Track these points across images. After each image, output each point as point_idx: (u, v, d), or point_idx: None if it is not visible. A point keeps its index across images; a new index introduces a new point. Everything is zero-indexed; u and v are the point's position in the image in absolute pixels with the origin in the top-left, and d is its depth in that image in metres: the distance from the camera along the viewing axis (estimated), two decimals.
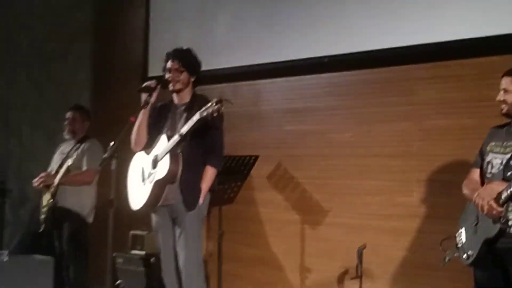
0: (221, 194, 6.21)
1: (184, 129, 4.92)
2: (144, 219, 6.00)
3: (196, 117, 4.82)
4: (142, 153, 5.35)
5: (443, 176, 5.80)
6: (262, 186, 6.95)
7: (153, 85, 5.22)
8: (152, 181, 5.08)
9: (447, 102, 5.83)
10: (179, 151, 5.03)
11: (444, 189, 5.73)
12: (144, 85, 5.29)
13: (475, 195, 4.02)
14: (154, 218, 5.31)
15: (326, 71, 6.59)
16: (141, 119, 5.25)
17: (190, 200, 5.10)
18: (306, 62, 6.63)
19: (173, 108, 5.34)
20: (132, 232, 7.25)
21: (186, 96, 5.30)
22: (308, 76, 6.76)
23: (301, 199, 6.70)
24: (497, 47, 5.51)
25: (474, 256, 4.08)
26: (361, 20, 6.26)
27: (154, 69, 6.81)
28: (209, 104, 4.72)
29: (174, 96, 5.33)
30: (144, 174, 5.21)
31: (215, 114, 4.69)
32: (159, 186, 5.06)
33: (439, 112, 5.87)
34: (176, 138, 4.96)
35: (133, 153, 5.46)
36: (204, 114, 4.73)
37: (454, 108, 5.79)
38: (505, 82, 4.15)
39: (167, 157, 5.00)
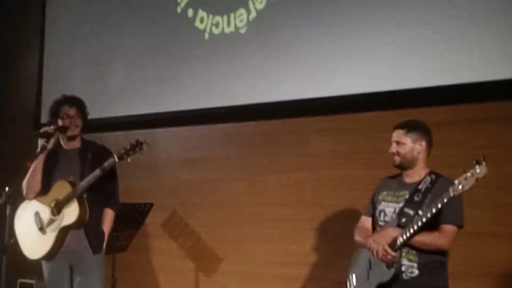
0: (115, 242, 6.11)
1: (96, 173, 4.89)
2: (31, 266, 5.82)
3: (110, 161, 4.86)
4: (32, 201, 5.21)
5: (335, 225, 5.94)
6: (157, 234, 6.93)
7: (51, 131, 5.13)
8: (56, 228, 4.97)
9: (339, 153, 6.01)
10: (84, 196, 4.97)
11: (336, 238, 5.87)
12: (42, 130, 5.18)
13: (370, 240, 4.12)
14: (46, 266, 5.14)
15: (223, 121, 6.69)
16: (37, 164, 5.13)
17: (95, 243, 5.05)
18: (203, 112, 6.72)
19: (62, 153, 5.24)
20: (20, 280, 7.03)
21: (77, 142, 5.25)
22: (205, 126, 6.84)
23: (196, 247, 6.71)
24: (385, 102, 5.75)
25: None
26: (258, 73, 6.41)
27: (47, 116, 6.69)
28: (128, 146, 4.79)
29: (62, 141, 5.25)
30: (42, 222, 5.08)
31: (133, 155, 4.78)
32: (65, 233, 4.97)
33: (331, 163, 6.04)
34: (90, 179, 4.90)
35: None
36: (124, 156, 4.79)
37: (345, 160, 5.96)
38: (397, 134, 4.29)
39: (75, 202, 4.93)
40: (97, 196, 5.07)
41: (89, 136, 5.40)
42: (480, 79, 5.27)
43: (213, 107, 6.62)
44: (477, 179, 3.63)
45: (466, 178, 3.66)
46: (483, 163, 3.63)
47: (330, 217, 5.99)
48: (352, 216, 5.55)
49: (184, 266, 6.73)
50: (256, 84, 6.40)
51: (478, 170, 3.62)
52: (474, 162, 3.65)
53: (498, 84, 5.21)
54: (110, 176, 5.09)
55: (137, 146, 4.83)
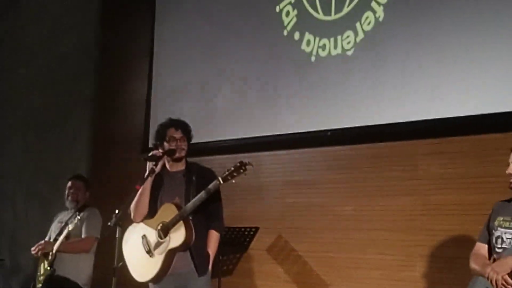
0: (221, 265, 6.10)
1: (201, 195, 4.91)
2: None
3: (215, 183, 4.89)
4: (139, 224, 5.26)
5: (446, 251, 5.72)
6: (262, 259, 6.83)
7: (159, 154, 5.17)
8: (163, 251, 5.00)
9: (449, 177, 5.80)
10: (190, 218, 4.95)
11: (447, 264, 5.66)
12: (150, 153, 5.24)
13: (489, 269, 3.94)
14: None
15: (329, 145, 6.57)
16: (145, 188, 5.17)
17: (201, 265, 5.07)
18: (309, 135, 6.62)
19: (167, 176, 5.28)
20: None
21: (181, 164, 5.29)
22: (311, 149, 6.73)
23: (302, 272, 6.58)
24: (498, 124, 5.52)
25: None
26: (366, 95, 6.28)
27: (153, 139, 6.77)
28: (232, 168, 4.80)
29: (168, 164, 5.28)
30: (150, 244, 5.10)
31: (237, 176, 4.79)
32: (172, 255, 4.99)
33: (441, 188, 5.83)
34: (195, 201, 4.92)
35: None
36: (228, 177, 4.80)
37: (456, 184, 5.75)
38: None
39: (181, 224, 4.93)
40: (202, 218, 5.10)
41: (195, 160, 5.41)
42: None
43: (319, 130, 6.51)
44: None
45: None
46: None
47: (441, 243, 5.77)
48: (463, 242, 5.40)
49: None
50: (363, 107, 6.27)
51: None
52: None
53: None
54: (215, 198, 5.10)
55: (241, 167, 4.83)
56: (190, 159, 5.35)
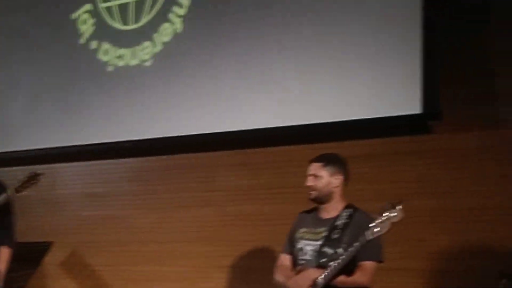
0: (11, 283, 5.74)
1: None
2: None
3: (3, 195, 4.70)
4: None
5: (242, 262, 5.74)
6: (55, 274, 6.54)
7: None
8: None
9: (246, 189, 5.83)
10: None
11: (245, 275, 5.69)
12: None
13: (291, 282, 3.94)
14: None
15: (127, 156, 6.42)
16: None
17: None
18: (106, 147, 6.41)
19: None
20: None
21: None
22: (109, 161, 6.55)
23: (97, 286, 6.36)
24: (297, 136, 5.60)
25: None
26: (163, 106, 6.19)
27: None
28: (24, 178, 4.72)
29: None
30: None
31: (29, 187, 4.69)
32: None
33: (238, 199, 5.85)
34: None
35: None
36: (19, 188, 4.69)
37: (253, 195, 5.79)
38: (314, 168, 4.12)
39: None
40: None
41: None
42: (385, 114, 5.20)
43: (118, 141, 6.33)
44: (392, 223, 3.56)
45: (382, 221, 3.58)
46: (399, 207, 3.56)
47: (237, 254, 5.79)
48: (260, 253, 5.46)
49: None
50: (161, 118, 6.17)
51: (393, 214, 3.55)
52: (390, 205, 3.53)
53: (400, 119, 5.17)
54: (6, 211, 4.87)
55: (33, 177, 4.72)
56: None
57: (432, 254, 5.03)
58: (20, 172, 6.19)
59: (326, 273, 3.78)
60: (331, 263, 3.78)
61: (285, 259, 4.24)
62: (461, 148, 5.02)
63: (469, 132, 5.01)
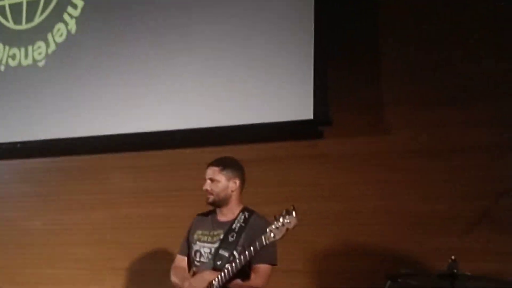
0: None
1: None
2: None
3: None
4: None
5: (137, 264, 5.72)
6: None
7: None
8: None
9: (139, 191, 5.81)
10: None
11: (139, 277, 5.67)
12: None
13: (186, 283, 3.98)
14: None
15: (18, 157, 6.28)
16: None
17: None
18: None
19: None
20: None
21: None
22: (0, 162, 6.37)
23: None
24: (188, 140, 5.65)
25: None
26: (55, 108, 6.09)
27: None
28: None
29: None
30: None
31: None
32: None
33: (131, 201, 5.82)
34: None
35: None
36: None
37: (146, 198, 5.77)
38: (211, 171, 4.16)
39: None
40: None
41: None
42: (280, 119, 5.30)
43: (9, 142, 6.20)
44: (287, 229, 3.62)
45: (277, 228, 3.64)
46: (293, 214, 3.61)
47: (131, 257, 5.75)
48: (154, 255, 5.46)
49: None
50: (54, 119, 6.07)
51: (288, 221, 3.61)
52: (285, 212, 3.61)
53: (294, 124, 5.28)
54: None
55: None
56: None
57: (319, 255, 5.14)
58: None
59: (221, 276, 3.85)
60: (227, 266, 3.85)
61: (181, 261, 4.28)
62: (350, 153, 5.16)
63: (358, 137, 5.15)
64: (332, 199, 5.16)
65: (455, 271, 3.56)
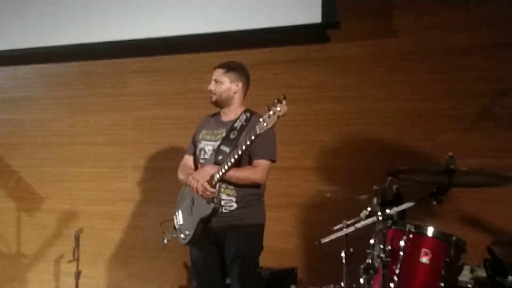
0: None
1: None
2: None
3: None
4: None
5: (155, 163, 5.77)
6: None
7: None
8: None
9: (158, 93, 5.81)
10: None
11: (157, 174, 5.73)
12: None
13: (190, 178, 4.00)
14: None
15: (44, 62, 6.24)
16: None
17: None
18: (24, 52, 6.21)
19: None
20: None
21: None
22: (27, 66, 6.34)
23: (17, 187, 6.28)
24: (204, 44, 5.59)
25: (191, 235, 4.05)
26: (78, 13, 6.01)
27: None
28: None
29: None
30: None
31: None
32: None
33: (150, 103, 5.84)
34: None
35: None
36: None
37: (164, 100, 5.78)
38: (216, 73, 4.20)
39: None
40: None
41: None
42: (287, 23, 5.24)
43: (33, 47, 6.15)
44: (278, 117, 3.57)
45: (269, 116, 3.59)
46: (284, 102, 3.57)
47: (150, 155, 5.81)
48: (171, 154, 5.56)
49: (5, 206, 6.29)
50: (75, 25, 6.00)
51: (278, 108, 3.56)
52: (276, 101, 3.56)
53: (301, 28, 5.23)
54: None
55: None
56: None
57: (326, 153, 5.16)
58: None
59: (221, 168, 3.87)
60: (228, 159, 3.86)
61: (188, 160, 4.34)
62: (357, 55, 5.10)
63: (364, 40, 5.08)
64: (339, 100, 5.15)
65: (452, 166, 3.50)
